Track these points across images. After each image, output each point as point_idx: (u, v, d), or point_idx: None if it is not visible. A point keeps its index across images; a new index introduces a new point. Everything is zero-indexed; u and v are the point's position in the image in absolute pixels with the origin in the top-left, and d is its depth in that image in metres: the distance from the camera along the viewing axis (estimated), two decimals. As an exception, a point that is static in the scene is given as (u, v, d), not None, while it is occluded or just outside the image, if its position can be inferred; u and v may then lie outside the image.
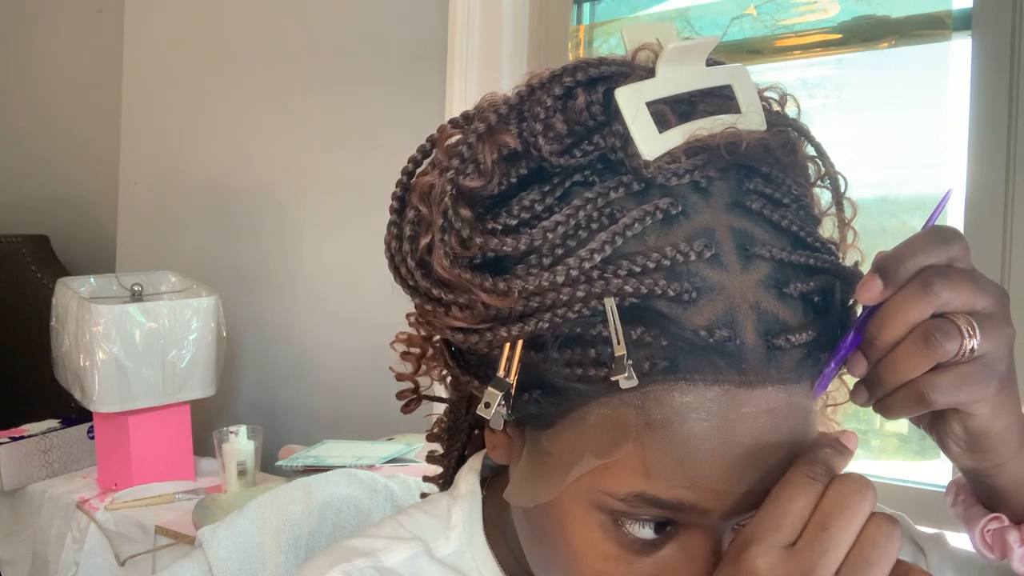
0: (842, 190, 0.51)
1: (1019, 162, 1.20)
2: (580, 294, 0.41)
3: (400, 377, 0.57)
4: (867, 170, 1.39)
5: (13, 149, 2.74)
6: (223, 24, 2.13)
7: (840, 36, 1.41)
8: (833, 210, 0.51)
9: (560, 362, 0.42)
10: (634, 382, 0.40)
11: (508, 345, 0.43)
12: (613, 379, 0.40)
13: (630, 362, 0.39)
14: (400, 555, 0.52)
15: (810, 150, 0.50)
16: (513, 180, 0.44)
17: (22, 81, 2.74)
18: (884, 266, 0.41)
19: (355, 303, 1.86)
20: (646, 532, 0.43)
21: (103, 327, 1.60)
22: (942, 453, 0.47)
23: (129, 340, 1.63)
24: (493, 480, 0.56)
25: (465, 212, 0.43)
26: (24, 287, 2.28)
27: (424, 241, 0.44)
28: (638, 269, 0.41)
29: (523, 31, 1.65)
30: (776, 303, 0.41)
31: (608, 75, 0.44)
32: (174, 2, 2.25)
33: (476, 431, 0.61)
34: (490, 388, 0.44)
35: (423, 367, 0.57)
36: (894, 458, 1.45)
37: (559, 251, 0.42)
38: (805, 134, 0.50)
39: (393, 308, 0.57)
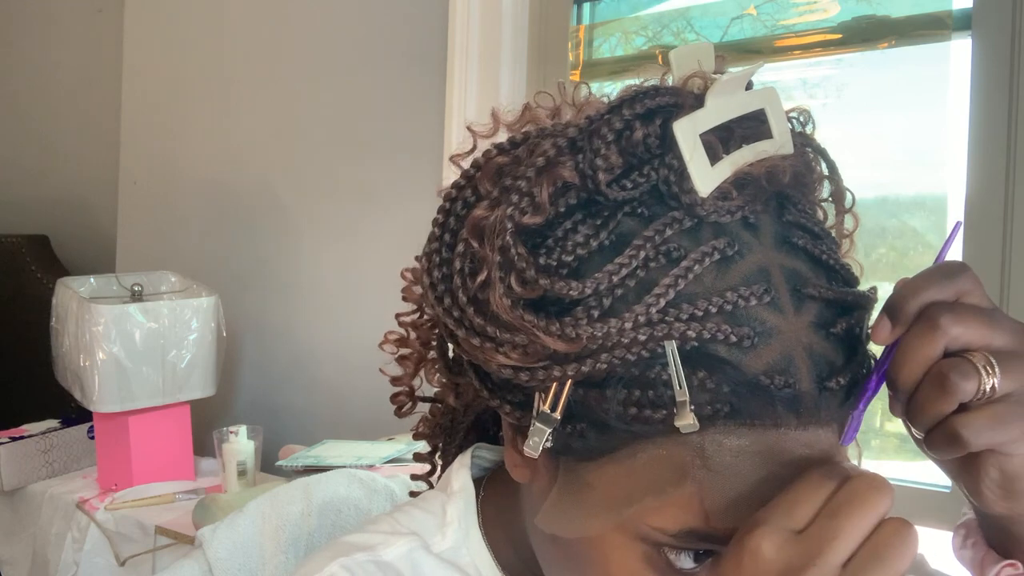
0: (848, 205, 0.52)
1: (1019, 162, 1.20)
2: (641, 337, 0.41)
3: (395, 381, 0.57)
4: (867, 170, 1.39)
5: (13, 149, 2.74)
6: (223, 24, 2.13)
7: (840, 36, 1.41)
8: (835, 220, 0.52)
9: (616, 402, 0.41)
10: (696, 427, 0.39)
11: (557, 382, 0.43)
12: (676, 424, 0.40)
13: (692, 407, 0.39)
14: (398, 549, 0.52)
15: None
16: (561, 209, 0.44)
17: (22, 81, 2.74)
18: (891, 305, 0.41)
19: (355, 303, 1.86)
20: (686, 561, 0.43)
21: (103, 327, 1.60)
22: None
23: (129, 340, 1.63)
24: (492, 479, 0.57)
25: (523, 251, 0.42)
26: (24, 287, 2.29)
27: (479, 278, 0.43)
28: (700, 313, 0.40)
29: (523, 31, 1.65)
30: (825, 344, 0.42)
31: (664, 106, 0.44)
32: (174, 2, 2.25)
33: (472, 433, 0.61)
34: (537, 424, 0.43)
35: (419, 371, 0.56)
36: (894, 458, 1.45)
37: (618, 291, 0.42)
38: (823, 155, 0.50)
39: (393, 308, 0.57)
